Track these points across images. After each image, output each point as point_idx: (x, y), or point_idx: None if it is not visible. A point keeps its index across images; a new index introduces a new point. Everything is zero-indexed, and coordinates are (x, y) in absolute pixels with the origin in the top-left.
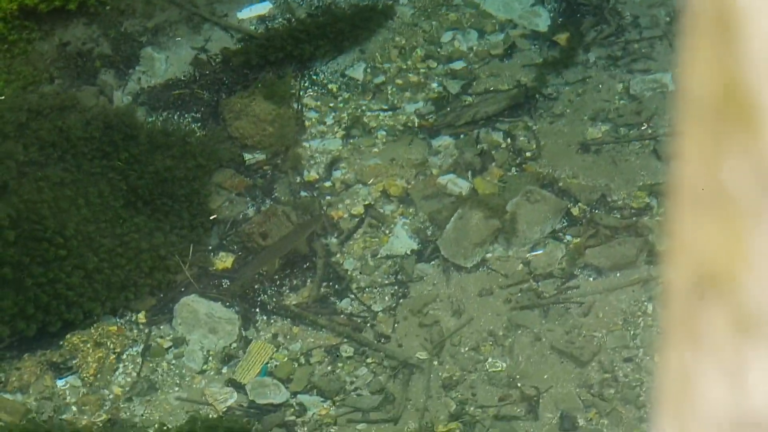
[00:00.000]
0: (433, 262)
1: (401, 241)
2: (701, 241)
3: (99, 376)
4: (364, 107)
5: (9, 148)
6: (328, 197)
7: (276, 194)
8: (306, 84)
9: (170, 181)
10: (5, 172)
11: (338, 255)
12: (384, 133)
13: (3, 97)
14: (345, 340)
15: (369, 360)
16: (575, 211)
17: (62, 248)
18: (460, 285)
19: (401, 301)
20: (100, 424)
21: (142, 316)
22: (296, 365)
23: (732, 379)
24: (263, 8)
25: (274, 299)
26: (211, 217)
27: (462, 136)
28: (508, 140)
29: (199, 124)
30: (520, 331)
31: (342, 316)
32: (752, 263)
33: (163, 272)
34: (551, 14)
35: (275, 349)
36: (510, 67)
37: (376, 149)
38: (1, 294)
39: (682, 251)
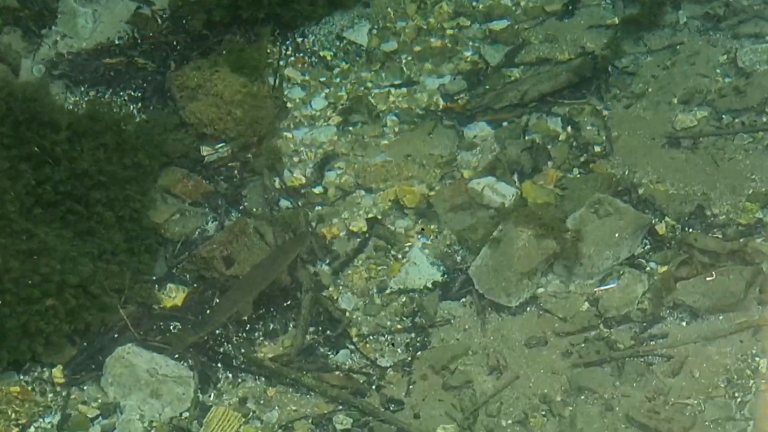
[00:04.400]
0: (463, 300)
1: (419, 269)
2: None
3: None
4: (368, 83)
5: None
6: (319, 208)
7: (246, 204)
8: (289, 50)
9: (99, 185)
10: None
11: (332, 289)
12: (396, 118)
13: None
14: (340, 407)
15: None
16: (661, 228)
17: None
18: (501, 331)
19: (419, 353)
20: None
21: (57, 373)
22: None
23: None
24: None
25: (243, 350)
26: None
27: (505, 123)
28: (569, 130)
29: (139, 105)
30: (584, 397)
31: (337, 373)
32: None
33: (88, 311)
34: None
35: (243, 419)
36: (572, 28)
37: (384, 141)
38: None
39: None
